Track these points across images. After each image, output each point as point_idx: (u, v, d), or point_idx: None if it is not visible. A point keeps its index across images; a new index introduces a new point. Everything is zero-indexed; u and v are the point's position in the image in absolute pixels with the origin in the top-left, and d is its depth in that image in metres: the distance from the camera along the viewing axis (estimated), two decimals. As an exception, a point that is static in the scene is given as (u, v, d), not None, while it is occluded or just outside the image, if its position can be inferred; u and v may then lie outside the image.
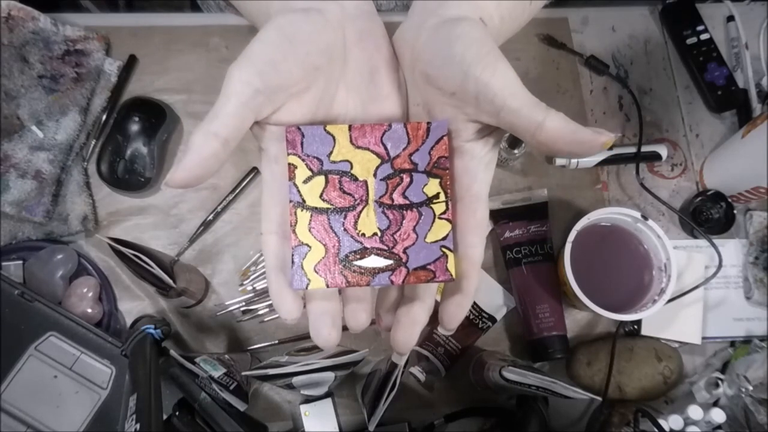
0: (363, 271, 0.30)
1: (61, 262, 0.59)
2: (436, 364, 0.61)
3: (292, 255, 0.30)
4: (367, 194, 0.31)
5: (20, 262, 0.60)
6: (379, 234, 0.31)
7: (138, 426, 0.43)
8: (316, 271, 0.30)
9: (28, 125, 0.62)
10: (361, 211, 0.31)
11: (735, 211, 0.66)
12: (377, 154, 0.31)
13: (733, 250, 0.67)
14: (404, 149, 0.31)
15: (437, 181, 0.31)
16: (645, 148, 0.69)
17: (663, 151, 0.69)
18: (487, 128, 0.31)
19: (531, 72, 0.73)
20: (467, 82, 0.29)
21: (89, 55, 0.65)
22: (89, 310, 0.58)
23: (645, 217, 0.60)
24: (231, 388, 0.52)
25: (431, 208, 0.31)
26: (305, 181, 0.31)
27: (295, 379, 0.52)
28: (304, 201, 0.30)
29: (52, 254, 0.59)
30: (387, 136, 0.31)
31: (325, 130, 0.31)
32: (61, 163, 0.62)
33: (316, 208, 0.30)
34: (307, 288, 0.30)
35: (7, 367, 0.50)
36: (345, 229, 0.30)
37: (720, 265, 0.62)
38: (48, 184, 0.61)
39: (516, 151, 0.65)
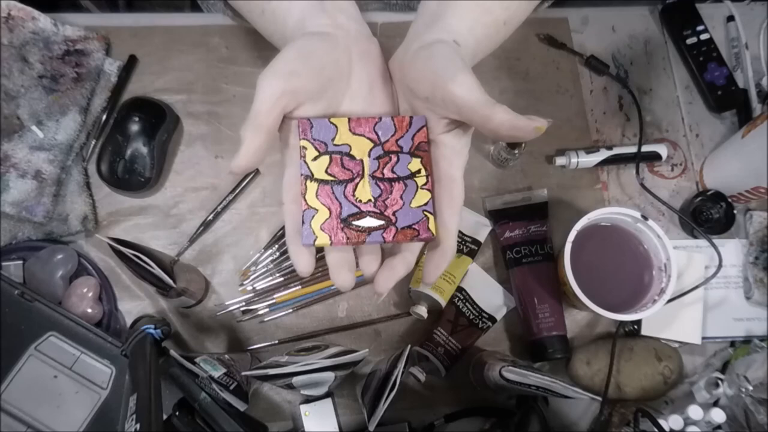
0: (360, 229, 0.37)
1: (61, 262, 0.59)
2: (436, 364, 0.61)
3: (303, 216, 0.37)
4: (363, 170, 0.39)
5: (20, 262, 0.60)
6: (372, 200, 0.38)
7: (138, 426, 0.43)
8: (322, 230, 0.37)
9: (28, 125, 0.62)
10: (358, 183, 0.38)
11: (735, 211, 0.66)
12: (370, 140, 0.39)
13: (733, 250, 0.67)
14: (392, 136, 0.39)
15: (419, 159, 0.39)
16: (645, 148, 0.69)
17: (663, 151, 0.69)
18: (455, 122, 0.39)
19: (531, 72, 0.73)
20: (435, 90, 0.37)
21: (89, 55, 0.65)
22: (89, 310, 0.58)
23: (645, 217, 0.60)
24: (231, 388, 0.52)
25: (414, 180, 0.39)
26: (314, 159, 0.38)
27: (295, 379, 0.52)
28: (312, 174, 0.38)
29: (52, 254, 0.59)
30: (378, 126, 0.40)
31: (329, 121, 0.39)
32: (61, 163, 0.62)
33: (322, 180, 0.38)
34: (314, 243, 0.37)
35: (7, 367, 0.50)
36: (345, 196, 0.38)
37: (720, 265, 0.62)
38: (48, 184, 0.61)
39: (516, 151, 0.65)
